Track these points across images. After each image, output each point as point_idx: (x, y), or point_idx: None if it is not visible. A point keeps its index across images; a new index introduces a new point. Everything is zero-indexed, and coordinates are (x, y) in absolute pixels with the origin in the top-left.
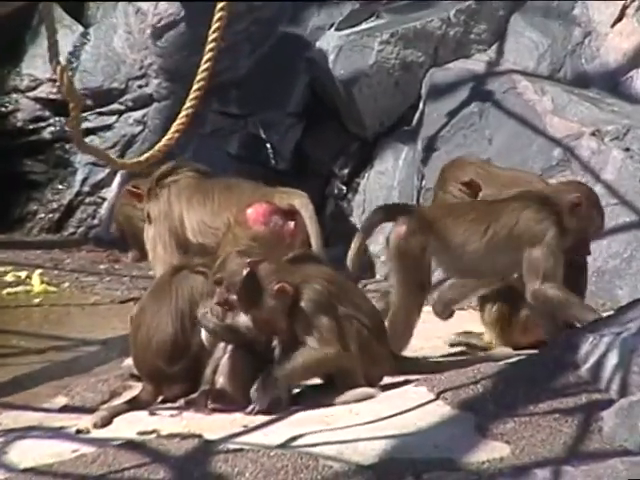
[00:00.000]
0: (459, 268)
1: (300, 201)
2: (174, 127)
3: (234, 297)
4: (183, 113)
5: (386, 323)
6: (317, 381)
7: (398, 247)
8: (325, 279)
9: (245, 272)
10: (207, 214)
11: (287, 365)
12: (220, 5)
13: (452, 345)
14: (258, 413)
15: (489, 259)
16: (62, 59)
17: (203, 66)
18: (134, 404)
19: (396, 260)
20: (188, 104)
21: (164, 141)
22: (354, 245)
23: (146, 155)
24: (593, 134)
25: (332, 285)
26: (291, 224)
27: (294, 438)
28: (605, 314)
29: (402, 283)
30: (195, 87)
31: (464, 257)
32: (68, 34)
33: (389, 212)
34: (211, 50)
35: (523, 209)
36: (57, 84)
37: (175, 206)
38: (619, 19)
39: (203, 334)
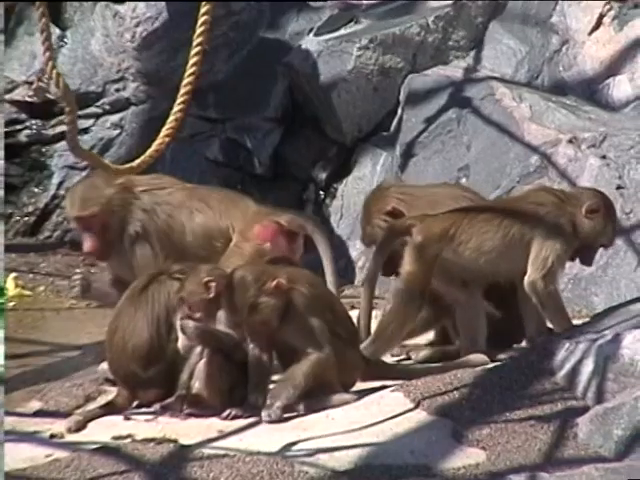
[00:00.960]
0: (473, 269)
1: (312, 226)
2: (164, 132)
3: (197, 315)
4: (172, 117)
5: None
6: None
7: (413, 255)
8: (308, 282)
9: (211, 291)
10: (208, 221)
11: (295, 373)
12: (204, 9)
13: (393, 356)
14: (234, 418)
15: (505, 257)
16: (37, 62)
17: (189, 70)
18: (109, 409)
19: (408, 267)
20: (176, 108)
21: (155, 146)
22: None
23: (138, 161)
24: (570, 141)
25: (315, 288)
26: (294, 246)
27: (271, 444)
28: (581, 321)
29: (406, 290)
30: (182, 91)
31: (480, 258)
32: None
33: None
34: (197, 54)
35: (540, 206)
36: (34, 86)
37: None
38: (596, 27)
39: (180, 340)
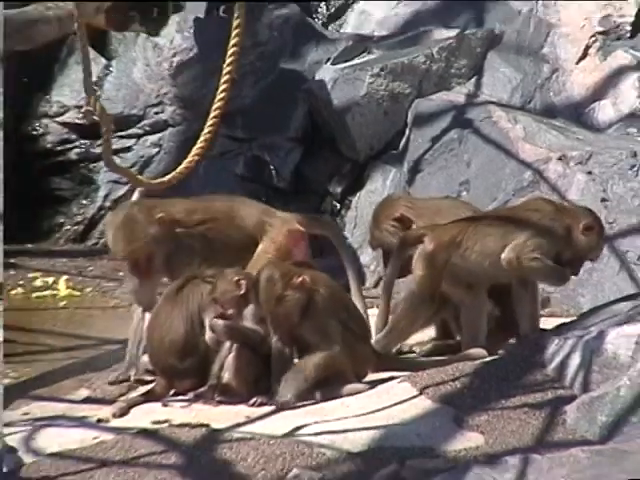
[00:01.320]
0: (476, 274)
1: (332, 230)
2: (194, 150)
3: (229, 311)
4: (202, 138)
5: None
6: None
7: (425, 262)
8: (326, 284)
9: (242, 288)
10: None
11: (307, 364)
12: (233, 41)
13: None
14: (260, 405)
15: None
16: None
17: (219, 95)
18: (149, 396)
19: (420, 272)
20: (206, 130)
21: (185, 164)
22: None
23: (169, 176)
24: (560, 159)
25: (332, 290)
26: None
27: (292, 428)
28: (569, 319)
29: (419, 293)
30: (212, 115)
31: (484, 261)
32: (93, 66)
33: (404, 249)
34: (226, 81)
35: (536, 212)
36: (83, 110)
37: None
38: (583, 57)
39: (208, 336)
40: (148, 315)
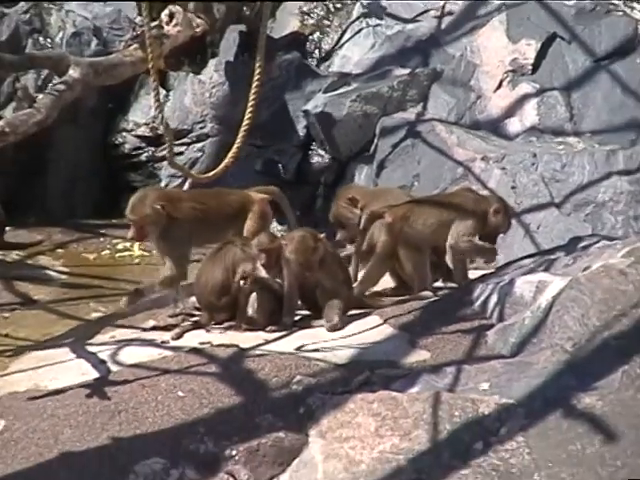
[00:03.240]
0: (421, 239)
1: (281, 197)
2: (230, 155)
3: (264, 262)
4: (236, 146)
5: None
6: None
7: (386, 230)
8: (329, 245)
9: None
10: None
11: (335, 301)
12: (256, 77)
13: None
14: (273, 332)
15: (441, 229)
16: (151, 111)
17: (247, 115)
18: (197, 325)
19: (383, 238)
20: (239, 140)
21: (224, 164)
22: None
23: (213, 172)
24: (482, 159)
25: (333, 249)
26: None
27: (296, 347)
28: (489, 271)
29: (381, 252)
30: (243, 128)
31: (427, 230)
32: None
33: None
34: (252, 105)
35: (462, 199)
36: (151, 126)
37: None
38: (498, 87)
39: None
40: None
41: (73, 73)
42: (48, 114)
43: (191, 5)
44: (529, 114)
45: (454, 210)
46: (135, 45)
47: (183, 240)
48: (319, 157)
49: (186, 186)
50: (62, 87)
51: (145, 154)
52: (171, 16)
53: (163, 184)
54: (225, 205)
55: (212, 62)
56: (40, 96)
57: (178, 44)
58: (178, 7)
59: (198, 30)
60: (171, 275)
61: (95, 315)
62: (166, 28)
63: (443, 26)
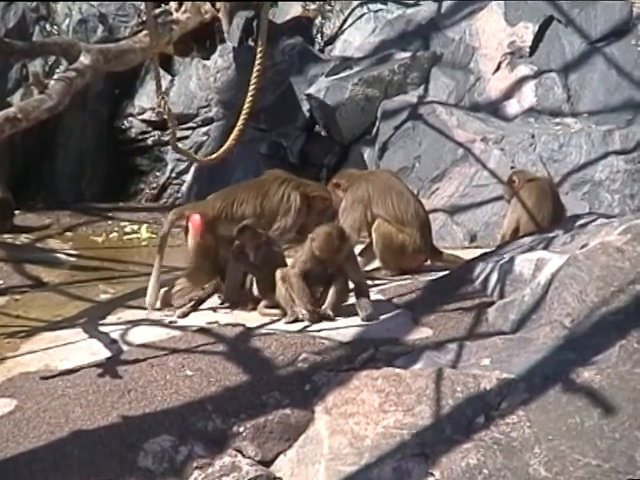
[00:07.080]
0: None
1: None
2: (232, 137)
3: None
4: (237, 129)
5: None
6: None
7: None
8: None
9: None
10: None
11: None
12: (258, 62)
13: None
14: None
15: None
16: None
17: (249, 99)
18: (199, 300)
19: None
20: (240, 123)
21: (225, 147)
22: None
23: (215, 155)
24: (482, 140)
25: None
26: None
27: (301, 326)
28: (490, 250)
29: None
30: (244, 112)
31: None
32: (162, 80)
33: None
34: (253, 89)
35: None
36: (156, 110)
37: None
38: (497, 70)
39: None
40: None
41: (84, 60)
42: (59, 100)
43: None
44: (527, 96)
45: None
46: (145, 31)
47: None
48: (322, 140)
49: (191, 170)
50: (73, 74)
51: (151, 138)
52: (180, 3)
53: (169, 167)
54: None
55: (217, 47)
56: (51, 82)
57: (187, 30)
58: None
59: (207, 16)
60: None
61: (104, 297)
62: (175, 15)
63: (443, 10)
